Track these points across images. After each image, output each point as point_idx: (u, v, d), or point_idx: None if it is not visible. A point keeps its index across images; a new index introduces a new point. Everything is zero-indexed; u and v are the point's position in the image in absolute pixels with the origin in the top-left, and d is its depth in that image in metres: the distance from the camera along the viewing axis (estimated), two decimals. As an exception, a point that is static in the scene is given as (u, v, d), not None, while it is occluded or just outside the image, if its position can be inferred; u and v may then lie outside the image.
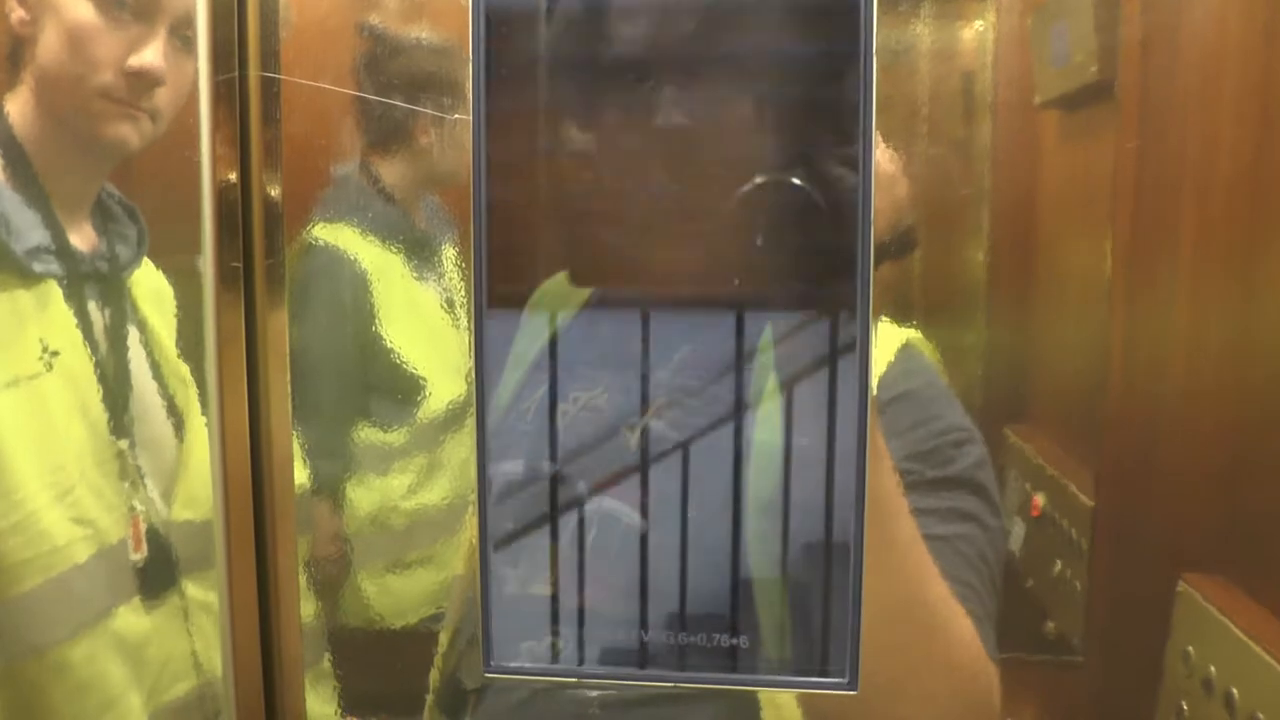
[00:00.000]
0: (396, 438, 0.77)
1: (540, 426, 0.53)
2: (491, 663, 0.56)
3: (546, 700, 0.71)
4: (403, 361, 0.77)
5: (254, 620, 0.71)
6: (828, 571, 0.52)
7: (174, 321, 0.79)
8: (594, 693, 0.68)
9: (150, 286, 0.82)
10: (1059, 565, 0.72)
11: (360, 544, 0.77)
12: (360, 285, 0.77)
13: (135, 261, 0.82)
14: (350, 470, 0.77)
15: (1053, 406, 0.71)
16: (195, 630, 0.82)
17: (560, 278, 0.53)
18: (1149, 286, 0.69)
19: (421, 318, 0.78)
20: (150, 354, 0.82)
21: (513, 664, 0.56)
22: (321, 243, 0.75)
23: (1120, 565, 0.71)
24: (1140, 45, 0.68)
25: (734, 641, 0.53)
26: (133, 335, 0.82)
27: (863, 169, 0.50)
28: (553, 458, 0.53)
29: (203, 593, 0.81)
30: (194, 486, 0.81)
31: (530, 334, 0.53)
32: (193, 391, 0.79)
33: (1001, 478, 0.70)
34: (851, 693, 0.52)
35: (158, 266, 0.81)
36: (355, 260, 0.76)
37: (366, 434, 0.78)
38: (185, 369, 0.80)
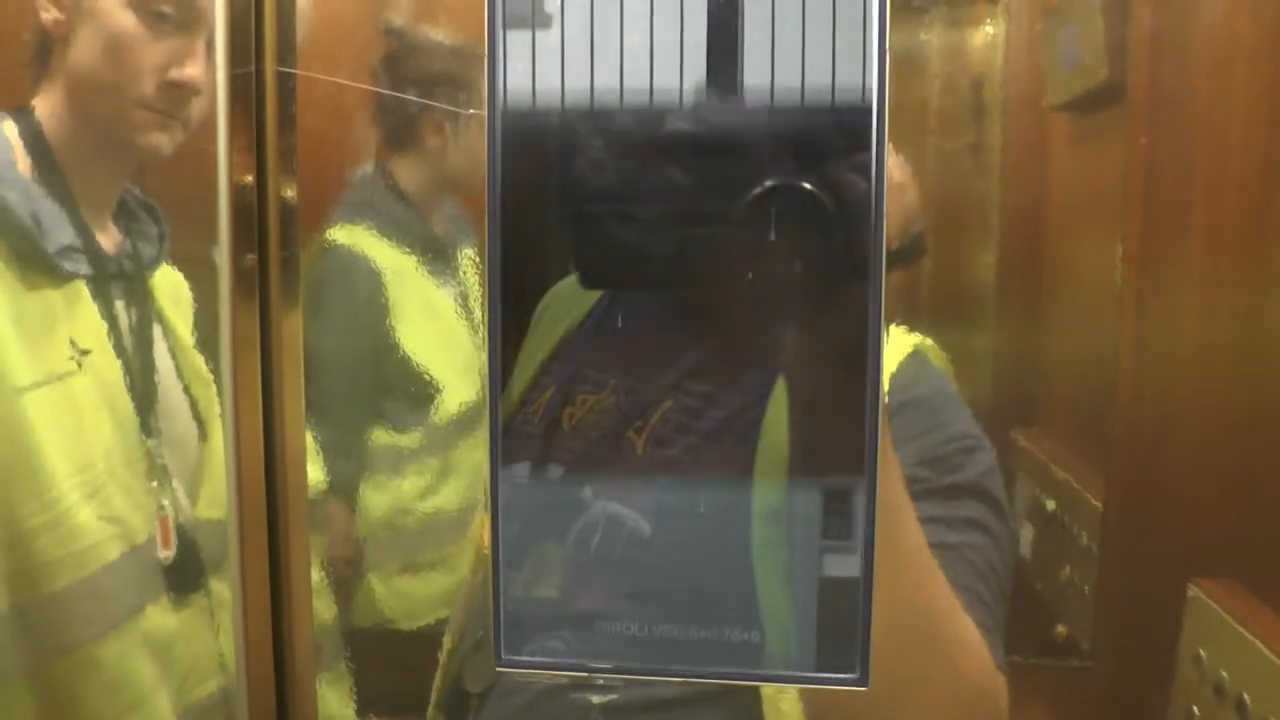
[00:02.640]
0: (410, 440, 0.77)
1: (547, 428, 0.54)
2: (502, 657, 0.56)
3: (549, 705, 0.71)
4: (416, 363, 0.77)
5: (267, 620, 0.71)
6: (837, 569, 0.53)
7: (193, 320, 0.80)
8: (596, 698, 0.68)
9: (170, 285, 0.82)
10: (1068, 569, 0.71)
11: (374, 546, 0.77)
12: (375, 286, 0.77)
13: (157, 260, 0.82)
14: (364, 472, 0.77)
15: (1062, 410, 0.71)
16: (221, 629, 0.82)
17: (571, 280, 0.53)
18: (1159, 290, 0.68)
19: (436, 319, 0.78)
20: (173, 352, 0.83)
21: (522, 659, 0.56)
22: (337, 243, 0.75)
23: (1130, 569, 0.70)
24: (1150, 48, 0.67)
25: (744, 637, 0.53)
26: (157, 334, 0.82)
27: (875, 174, 0.50)
28: (559, 460, 0.54)
29: (228, 591, 0.82)
30: (217, 485, 0.81)
31: (539, 336, 0.54)
32: (213, 390, 0.79)
33: (1011, 482, 0.70)
34: (862, 689, 0.53)
35: (175, 265, 0.81)
36: (370, 261, 0.77)
37: (380, 436, 0.78)
38: (205, 367, 0.80)
